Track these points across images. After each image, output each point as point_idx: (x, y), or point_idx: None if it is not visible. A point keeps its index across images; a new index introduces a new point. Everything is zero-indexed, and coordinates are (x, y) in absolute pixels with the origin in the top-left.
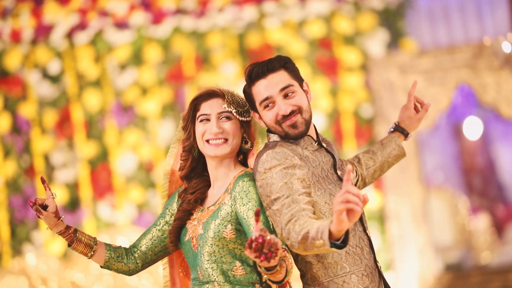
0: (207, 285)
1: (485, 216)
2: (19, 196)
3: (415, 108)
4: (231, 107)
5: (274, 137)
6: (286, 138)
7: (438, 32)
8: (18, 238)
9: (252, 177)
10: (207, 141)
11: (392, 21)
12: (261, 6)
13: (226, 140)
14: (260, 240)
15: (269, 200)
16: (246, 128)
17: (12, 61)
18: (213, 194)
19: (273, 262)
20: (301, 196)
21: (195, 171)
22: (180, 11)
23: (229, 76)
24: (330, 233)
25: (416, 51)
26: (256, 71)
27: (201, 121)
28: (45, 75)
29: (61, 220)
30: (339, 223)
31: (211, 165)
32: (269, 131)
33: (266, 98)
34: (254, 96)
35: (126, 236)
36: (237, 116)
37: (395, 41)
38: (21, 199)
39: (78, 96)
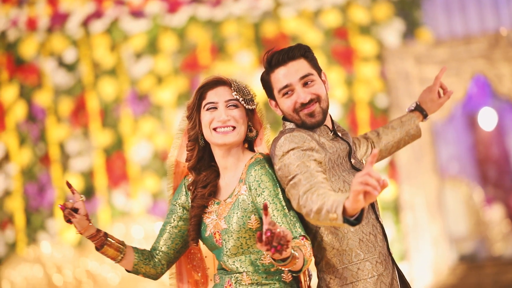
0: (236, 275)
1: (499, 207)
2: (34, 184)
3: (438, 93)
4: (238, 95)
5: (290, 125)
6: (302, 126)
7: (454, 22)
8: (33, 226)
9: (263, 164)
10: (215, 129)
11: (408, 11)
12: None
13: (234, 127)
14: (269, 234)
15: (288, 180)
16: (250, 116)
17: (28, 49)
18: (225, 184)
19: (285, 254)
20: (319, 173)
21: (202, 161)
22: (195, 0)
23: (245, 65)
24: (344, 209)
25: (432, 41)
26: (276, 58)
27: (207, 109)
28: (61, 63)
29: (91, 223)
30: (355, 202)
31: (218, 155)
32: (285, 119)
33: (286, 86)
34: (273, 83)
35: (140, 225)
36: (244, 104)
37: (411, 31)
38: (36, 187)
39: (94, 85)
